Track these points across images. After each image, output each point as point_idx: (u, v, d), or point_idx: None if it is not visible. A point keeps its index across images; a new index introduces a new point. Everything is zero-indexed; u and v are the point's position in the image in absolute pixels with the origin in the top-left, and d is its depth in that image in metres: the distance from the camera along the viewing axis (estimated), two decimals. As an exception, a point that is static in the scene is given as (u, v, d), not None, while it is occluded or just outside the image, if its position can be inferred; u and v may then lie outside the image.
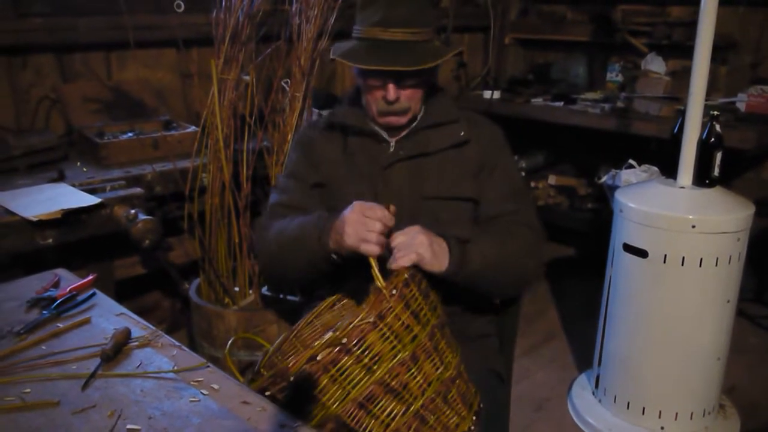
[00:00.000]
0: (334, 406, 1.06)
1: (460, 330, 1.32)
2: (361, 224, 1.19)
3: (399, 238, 1.21)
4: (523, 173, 3.60)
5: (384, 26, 1.30)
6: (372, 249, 1.17)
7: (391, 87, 1.33)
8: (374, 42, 1.31)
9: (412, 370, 1.08)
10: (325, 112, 2.43)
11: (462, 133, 1.41)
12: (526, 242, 1.36)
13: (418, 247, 1.19)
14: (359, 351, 1.04)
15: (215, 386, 1.06)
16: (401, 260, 1.17)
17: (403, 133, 1.43)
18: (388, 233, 1.21)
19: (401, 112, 1.37)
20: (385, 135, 1.43)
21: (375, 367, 1.05)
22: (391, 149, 1.42)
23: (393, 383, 1.06)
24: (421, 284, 1.14)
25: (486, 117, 1.52)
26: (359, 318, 1.04)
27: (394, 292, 1.06)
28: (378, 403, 1.06)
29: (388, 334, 1.05)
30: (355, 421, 1.06)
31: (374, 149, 1.43)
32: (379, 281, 1.13)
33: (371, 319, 1.04)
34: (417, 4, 1.32)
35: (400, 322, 1.06)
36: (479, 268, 1.28)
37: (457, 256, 1.25)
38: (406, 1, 1.31)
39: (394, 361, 1.06)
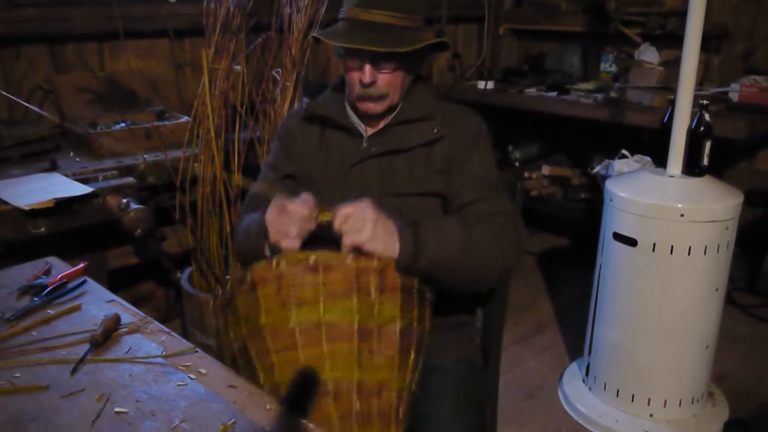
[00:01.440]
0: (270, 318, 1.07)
1: (435, 319, 1.26)
2: (278, 222, 1.18)
3: (346, 218, 1.15)
4: (517, 163, 3.62)
5: (365, 7, 1.29)
6: (290, 243, 1.16)
7: (367, 68, 1.30)
8: (354, 22, 1.30)
9: (353, 342, 1.06)
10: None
11: (435, 131, 1.38)
12: (497, 233, 1.29)
13: (363, 227, 1.14)
14: (321, 281, 1.06)
15: (202, 371, 1.07)
16: (346, 240, 1.13)
17: (379, 127, 1.41)
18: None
19: (378, 97, 1.34)
20: (360, 129, 1.42)
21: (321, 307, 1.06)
22: (364, 145, 1.41)
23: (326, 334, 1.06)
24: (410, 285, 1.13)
25: (470, 109, 1.48)
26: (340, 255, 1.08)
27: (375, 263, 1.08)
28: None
29: (352, 284, 1.06)
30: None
31: (348, 144, 1.42)
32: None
33: (348, 260, 1.07)
34: None
35: (374, 290, 1.08)
36: (438, 259, 1.20)
37: (409, 242, 1.18)
38: None
39: (343, 316, 1.06)
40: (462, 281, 1.28)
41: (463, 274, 1.25)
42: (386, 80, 1.33)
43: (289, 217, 1.17)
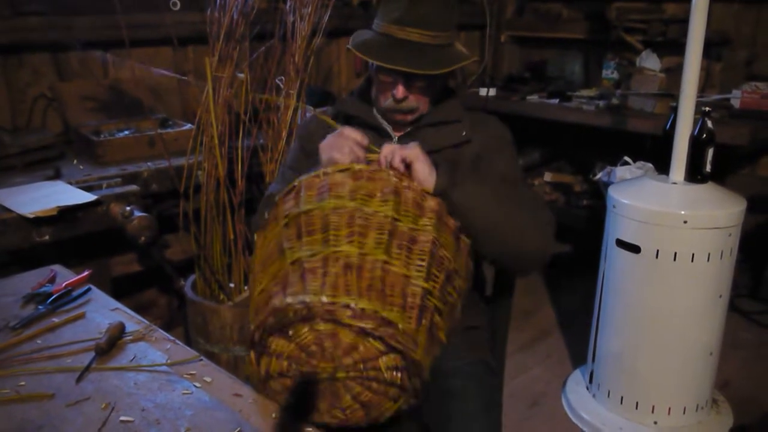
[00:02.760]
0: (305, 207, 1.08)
1: None
2: (332, 143, 1.23)
3: (393, 152, 1.18)
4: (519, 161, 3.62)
5: (401, 25, 1.30)
6: (342, 157, 1.19)
7: (400, 87, 1.34)
8: (390, 39, 1.32)
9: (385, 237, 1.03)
10: (320, 110, 2.45)
11: (464, 133, 1.42)
12: (537, 208, 1.31)
13: (408, 153, 1.16)
14: (363, 183, 1.08)
15: (208, 379, 1.08)
16: (397, 157, 1.16)
17: (407, 130, 1.44)
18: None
19: (408, 111, 1.38)
20: (389, 130, 1.45)
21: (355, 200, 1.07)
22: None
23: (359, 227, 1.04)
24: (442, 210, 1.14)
25: (496, 117, 1.51)
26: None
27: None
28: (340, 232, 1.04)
29: (391, 193, 1.08)
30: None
31: (376, 143, 1.44)
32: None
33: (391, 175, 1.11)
34: (439, 5, 1.31)
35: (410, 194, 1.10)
36: (470, 202, 1.18)
37: (444, 177, 1.17)
38: (427, 2, 1.30)
39: (379, 211, 1.06)
40: (499, 248, 1.25)
41: (501, 237, 1.22)
42: (417, 96, 1.37)
43: (344, 139, 1.22)
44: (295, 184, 1.13)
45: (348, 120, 1.47)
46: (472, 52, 3.93)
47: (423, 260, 1.03)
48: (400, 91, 1.34)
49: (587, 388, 2.33)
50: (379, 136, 1.44)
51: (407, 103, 1.37)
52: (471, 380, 1.30)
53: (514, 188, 1.39)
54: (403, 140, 1.43)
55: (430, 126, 1.43)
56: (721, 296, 2.04)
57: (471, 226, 1.18)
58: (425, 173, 1.16)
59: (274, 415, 0.99)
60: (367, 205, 1.06)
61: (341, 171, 1.11)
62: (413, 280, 1.00)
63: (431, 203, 1.12)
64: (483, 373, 1.41)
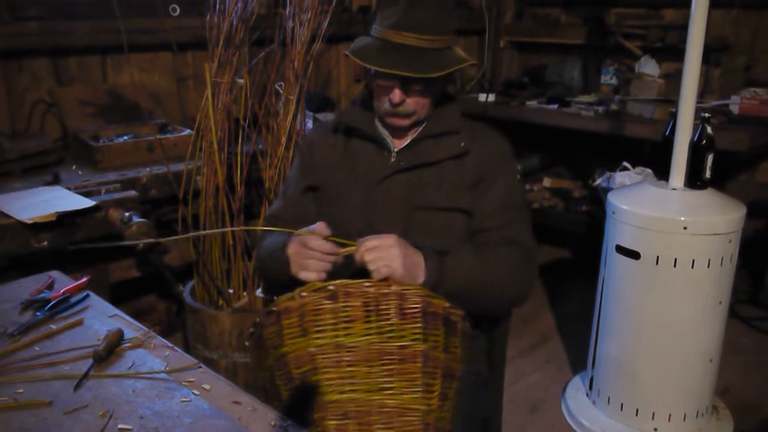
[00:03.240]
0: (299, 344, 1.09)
1: None
2: (299, 255, 1.23)
3: (372, 251, 1.17)
4: (518, 176, 3.62)
5: (398, 29, 1.30)
6: (309, 276, 1.20)
7: (396, 91, 1.33)
8: (387, 44, 1.32)
9: (373, 366, 1.06)
10: (321, 115, 2.45)
11: (462, 144, 1.41)
12: (512, 263, 1.33)
13: (391, 260, 1.17)
14: (341, 305, 1.07)
15: (206, 386, 1.07)
16: (374, 275, 1.16)
17: (406, 142, 1.43)
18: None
19: (405, 115, 1.38)
20: (389, 141, 1.44)
21: (340, 331, 1.07)
22: (393, 159, 1.42)
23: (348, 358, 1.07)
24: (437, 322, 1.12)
25: (495, 130, 1.50)
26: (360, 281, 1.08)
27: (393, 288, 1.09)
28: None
29: (373, 309, 1.07)
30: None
31: (376, 157, 1.44)
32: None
33: (367, 284, 1.08)
34: (435, 9, 1.31)
35: (390, 314, 1.08)
36: (456, 288, 1.24)
37: (433, 273, 1.23)
38: (424, 6, 1.30)
39: (362, 339, 1.06)
40: (475, 307, 1.27)
41: (478, 301, 1.28)
42: (414, 100, 1.36)
43: (307, 255, 1.22)
44: (273, 308, 1.11)
45: (348, 132, 1.47)
46: (470, 57, 3.93)
47: (416, 380, 1.07)
48: (396, 94, 1.33)
49: (587, 395, 2.33)
50: (380, 149, 1.44)
51: (404, 107, 1.36)
52: (462, 395, 1.27)
53: (515, 211, 1.40)
54: (402, 153, 1.42)
55: (430, 137, 1.42)
56: (721, 302, 2.03)
57: (454, 296, 1.18)
58: (410, 281, 1.18)
59: (273, 423, 0.98)
60: (350, 332, 1.06)
61: (316, 290, 1.08)
62: (411, 406, 1.06)
63: (415, 299, 1.09)
64: (471, 382, 1.40)
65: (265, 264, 1.41)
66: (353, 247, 1.20)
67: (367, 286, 1.08)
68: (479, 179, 1.40)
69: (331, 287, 1.07)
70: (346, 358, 1.06)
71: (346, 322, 1.06)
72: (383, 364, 1.06)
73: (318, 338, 1.07)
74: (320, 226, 1.23)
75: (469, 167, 1.41)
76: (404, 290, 1.09)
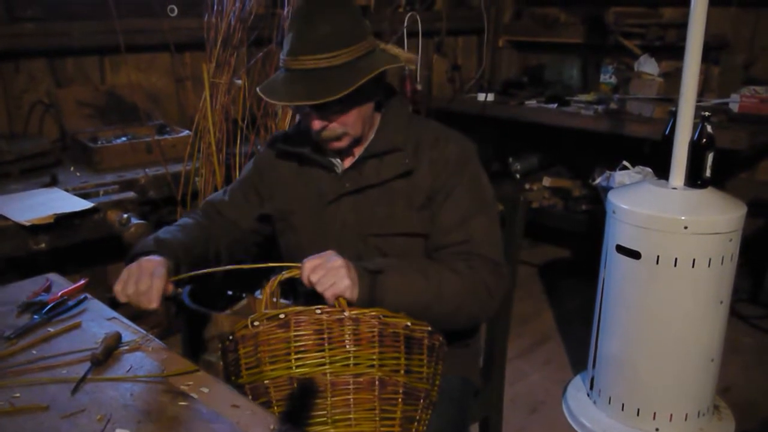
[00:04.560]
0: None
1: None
2: (133, 282, 1.18)
3: (316, 271, 1.12)
4: (518, 175, 3.61)
5: (294, 55, 1.21)
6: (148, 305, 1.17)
7: (314, 120, 1.25)
8: (290, 73, 1.23)
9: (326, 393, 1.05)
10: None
11: (407, 161, 1.31)
12: (468, 279, 1.24)
13: (339, 279, 1.11)
14: (293, 333, 1.05)
15: (205, 390, 1.06)
16: (325, 295, 1.11)
17: (352, 162, 1.35)
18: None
19: (336, 138, 1.28)
20: (336, 162, 1.36)
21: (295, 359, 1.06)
22: (338, 181, 1.35)
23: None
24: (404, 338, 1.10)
25: (451, 132, 1.38)
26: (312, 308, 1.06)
27: (345, 314, 1.06)
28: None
29: (325, 337, 1.05)
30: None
31: (324, 180, 1.37)
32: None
33: (318, 312, 1.05)
34: (332, 24, 1.20)
35: (343, 338, 1.05)
36: (393, 308, 1.12)
37: (365, 292, 1.14)
38: (317, 25, 1.20)
39: (315, 369, 1.05)
40: (434, 321, 1.18)
41: (428, 319, 1.16)
42: (339, 121, 1.26)
43: (140, 289, 1.17)
44: (230, 336, 1.11)
45: (291, 158, 1.40)
46: (469, 57, 3.92)
47: (373, 408, 1.05)
48: (315, 123, 1.25)
49: (588, 395, 2.32)
50: (326, 172, 1.37)
51: (331, 131, 1.26)
52: (440, 396, 1.23)
53: (478, 220, 1.31)
54: (348, 173, 1.34)
55: (373, 157, 1.33)
56: (722, 302, 2.03)
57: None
58: (349, 296, 1.11)
59: (272, 427, 0.97)
60: (303, 363, 1.04)
61: (269, 319, 1.06)
62: None
63: (371, 323, 1.06)
64: (456, 390, 1.39)
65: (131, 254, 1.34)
66: (297, 270, 1.14)
67: (318, 314, 1.05)
68: (434, 193, 1.31)
69: (282, 315, 1.05)
70: (300, 391, 1.04)
71: (298, 352, 1.05)
72: (338, 395, 1.04)
73: (272, 369, 1.06)
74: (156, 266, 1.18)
75: (420, 184, 1.31)
76: (358, 315, 1.06)
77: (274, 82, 1.26)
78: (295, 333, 1.05)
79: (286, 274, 1.16)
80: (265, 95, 1.25)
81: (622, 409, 2.15)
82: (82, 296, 1.36)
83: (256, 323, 1.07)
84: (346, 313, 1.06)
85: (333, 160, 1.36)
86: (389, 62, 1.25)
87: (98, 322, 1.28)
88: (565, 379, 2.49)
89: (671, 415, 2.09)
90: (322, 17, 1.20)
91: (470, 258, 1.27)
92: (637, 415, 2.12)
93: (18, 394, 1.03)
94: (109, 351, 1.15)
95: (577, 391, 2.38)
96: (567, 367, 2.60)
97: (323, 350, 1.04)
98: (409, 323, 1.09)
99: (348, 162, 1.36)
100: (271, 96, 1.24)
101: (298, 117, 1.56)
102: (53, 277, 1.46)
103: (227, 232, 1.43)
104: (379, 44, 1.29)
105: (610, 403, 2.18)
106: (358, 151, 1.35)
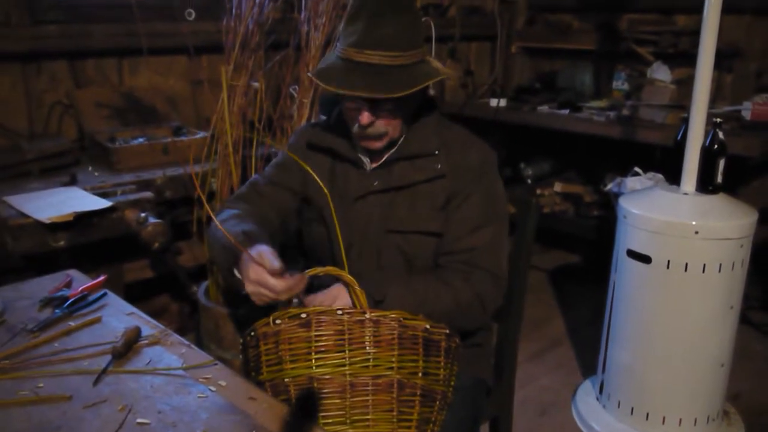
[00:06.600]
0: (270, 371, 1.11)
1: None
2: (256, 295, 1.19)
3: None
4: (529, 180, 3.63)
5: (359, 48, 1.23)
6: (255, 297, 1.19)
7: (365, 113, 1.27)
8: (350, 63, 1.24)
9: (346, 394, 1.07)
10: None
11: (439, 166, 1.34)
12: (461, 297, 1.28)
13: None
14: (314, 333, 1.07)
15: (222, 383, 1.09)
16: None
17: (381, 161, 1.38)
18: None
19: (377, 137, 1.31)
20: (365, 160, 1.39)
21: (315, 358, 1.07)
22: (367, 179, 1.38)
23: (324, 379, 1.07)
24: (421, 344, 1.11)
25: (475, 138, 1.41)
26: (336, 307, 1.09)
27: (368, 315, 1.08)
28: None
29: (346, 338, 1.07)
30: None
31: (353, 176, 1.39)
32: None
33: (340, 312, 1.07)
34: (399, 25, 1.23)
35: (362, 338, 1.07)
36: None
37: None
38: (386, 22, 1.22)
39: (335, 370, 1.07)
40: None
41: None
42: (385, 121, 1.30)
43: (264, 294, 1.17)
44: (251, 332, 1.13)
45: (322, 151, 1.42)
46: (482, 62, 3.95)
47: (392, 410, 1.07)
48: (365, 117, 1.27)
49: (597, 399, 2.33)
50: (355, 168, 1.39)
51: (374, 129, 1.29)
52: (454, 394, 1.26)
53: (487, 230, 1.34)
54: (377, 173, 1.37)
55: (404, 159, 1.35)
56: (732, 307, 2.03)
57: None
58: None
59: (288, 419, 1.00)
60: (323, 363, 1.06)
61: (291, 317, 1.08)
62: None
63: (391, 325, 1.08)
64: (470, 389, 1.41)
65: (214, 257, 1.37)
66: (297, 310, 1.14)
67: (340, 314, 1.07)
68: (452, 195, 1.35)
69: (303, 315, 1.07)
70: (318, 390, 1.06)
71: (318, 352, 1.07)
72: (356, 396, 1.06)
73: (292, 368, 1.08)
74: (267, 259, 1.16)
75: (444, 185, 1.35)
76: (379, 317, 1.08)
77: (330, 70, 1.27)
78: (316, 333, 1.07)
79: (294, 310, 1.15)
80: (321, 81, 1.26)
81: (632, 414, 2.16)
82: (102, 292, 1.39)
83: (278, 321, 1.09)
84: (368, 315, 1.07)
85: (363, 157, 1.40)
86: (439, 74, 1.28)
87: (118, 317, 1.30)
88: (575, 383, 2.50)
89: (680, 419, 2.09)
90: (392, 16, 1.23)
91: (471, 271, 1.31)
92: (647, 419, 2.13)
93: (42, 385, 1.06)
94: (130, 344, 1.18)
95: (586, 394, 2.38)
96: (577, 371, 2.61)
97: (344, 351, 1.06)
98: (428, 326, 1.11)
99: (374, 164, 1.39)
100: (328, 83, 1.25)
101: (320, 118, 1.59)
102: (73, 273, 1.49)
103: (276, 209, 1.44)
104: (427, 54, 1.33)
105: (619, 407, 2.19)
106: (386, 155, 1.38)
